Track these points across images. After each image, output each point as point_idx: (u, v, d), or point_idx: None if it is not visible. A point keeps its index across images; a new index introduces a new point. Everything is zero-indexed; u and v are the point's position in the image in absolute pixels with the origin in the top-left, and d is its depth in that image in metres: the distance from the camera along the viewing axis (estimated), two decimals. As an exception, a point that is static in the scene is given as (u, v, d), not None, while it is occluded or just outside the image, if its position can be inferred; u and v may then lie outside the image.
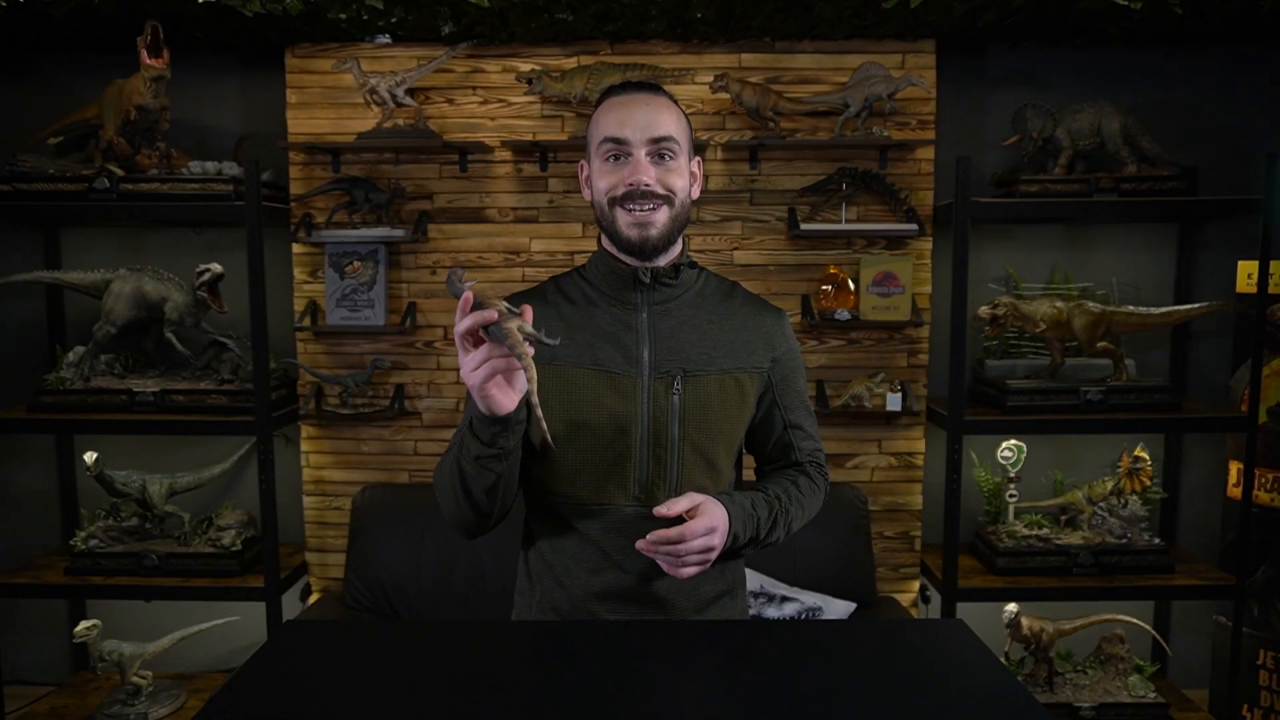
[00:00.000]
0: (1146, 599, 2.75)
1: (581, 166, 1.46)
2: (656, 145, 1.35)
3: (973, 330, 2.62)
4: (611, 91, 1.41)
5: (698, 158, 1.45)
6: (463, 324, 1.10)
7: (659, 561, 1.28)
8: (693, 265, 1.46)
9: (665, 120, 1.36)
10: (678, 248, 1.43)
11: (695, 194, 1.44)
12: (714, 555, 1.30)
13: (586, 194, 1.45)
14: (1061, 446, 2.85)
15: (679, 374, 1.38)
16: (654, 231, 1.36)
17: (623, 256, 1.40)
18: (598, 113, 1.40)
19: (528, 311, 1.12)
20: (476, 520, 1.33)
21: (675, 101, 1.42)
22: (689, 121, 1.44)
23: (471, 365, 1.12)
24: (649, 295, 1.41)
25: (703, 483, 1.40)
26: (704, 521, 1.26)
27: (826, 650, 1.22)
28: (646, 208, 1.35)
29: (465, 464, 1.26)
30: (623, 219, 1.36)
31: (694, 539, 1.25)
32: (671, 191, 1.36)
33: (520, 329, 1.09)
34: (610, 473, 1.37)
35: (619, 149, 1.36)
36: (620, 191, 1.35)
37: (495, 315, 1.08)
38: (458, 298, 1.11)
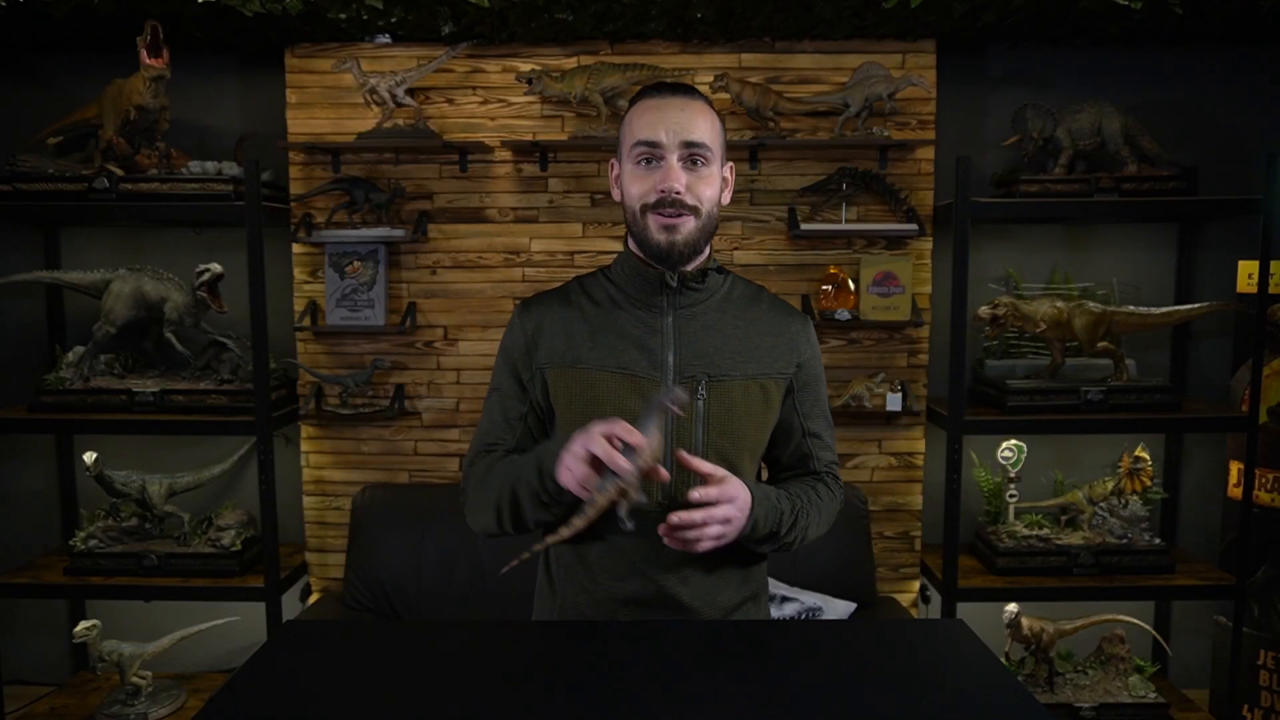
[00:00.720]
0: (1147, 599, 2.75)
1: (612, 165, 1.45)
2: (689, 150, 1.34)
3: (973, 330, 2.62)
4: (646, 92, 1.39)
5: (730, 163, 1.45)
6: (598, 450, 1.18)
7: (669, 542, 1.25)
8: (720, 270, 1.45)
9: (700, 125, 1.35)
10: (705, 253, 1.42)
11: (726, 200, 1.43)
12: (732, 531, 1.27)
13: (616, 194, 1.44)
14: (1061, 446, 2.85)
15: (704, 378, 1.37)
16: (679, 236, 1.35)
17: (649, 260, 1.39)
18: (631, 113, 1.39)
19: (644, 447, 1.17)
20: (508, 533, 1.41)
21: (710, 105, 1.40)
22: (723, 125, 1.42)
23: (571, 474, 1.21)
24: (675, 299, 1.40)
25: None
26: (725, 490, 1.25)
27: (826, 650, 1.22)
28: (675, 214, 1.34)
29: (521, 493, 1.32)
30: (654, 224, 1.35)
31: (716, 511, 1.24)
32: (700, 202, 1.35)
33: (621, 488, 1.17)
34: None
35: (651, 152, 1.35)
36: (652, 199, 1.34)
37: (627, 474, 1.16)
38: (654, 409, 1.19)
